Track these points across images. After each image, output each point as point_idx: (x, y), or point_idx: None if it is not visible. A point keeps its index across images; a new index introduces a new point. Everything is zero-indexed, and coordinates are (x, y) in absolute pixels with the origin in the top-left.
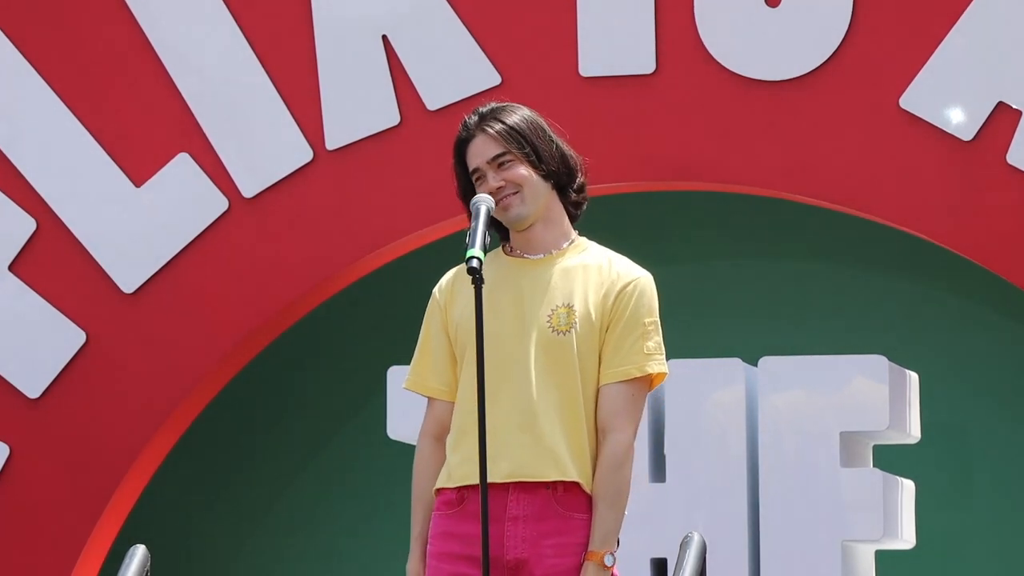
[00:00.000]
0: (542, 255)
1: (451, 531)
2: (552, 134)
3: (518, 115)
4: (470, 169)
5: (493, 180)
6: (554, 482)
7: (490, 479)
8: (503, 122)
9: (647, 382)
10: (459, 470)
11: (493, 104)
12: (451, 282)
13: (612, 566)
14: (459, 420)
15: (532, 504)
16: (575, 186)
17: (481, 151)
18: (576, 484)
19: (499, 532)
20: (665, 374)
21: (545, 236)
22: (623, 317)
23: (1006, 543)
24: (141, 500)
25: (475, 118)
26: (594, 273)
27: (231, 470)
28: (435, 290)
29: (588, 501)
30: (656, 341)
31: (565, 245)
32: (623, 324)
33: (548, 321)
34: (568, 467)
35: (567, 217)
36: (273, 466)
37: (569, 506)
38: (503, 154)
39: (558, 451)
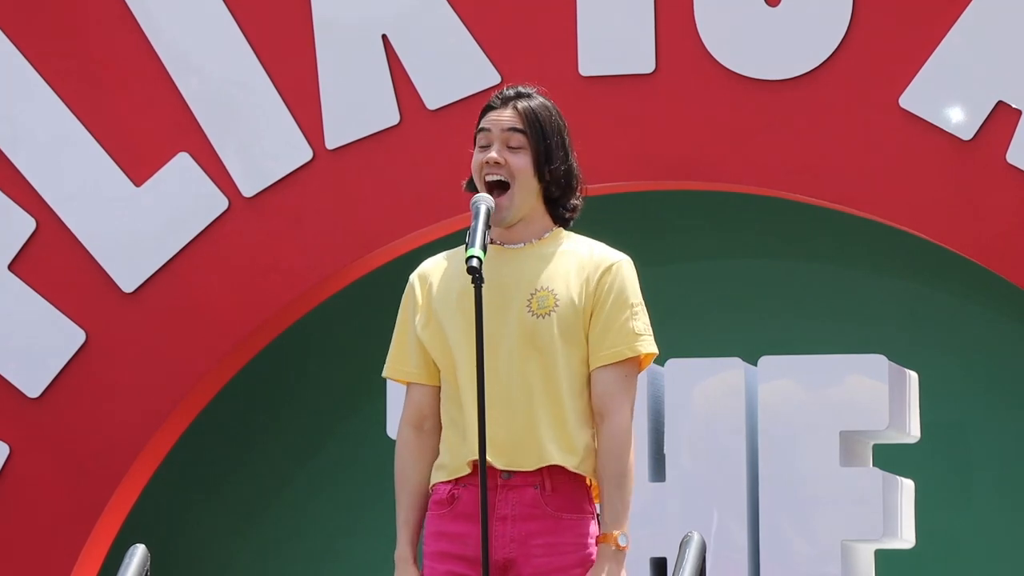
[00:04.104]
0: (522, 244)
1: (443, 531)
2: (569, 148)
3: (548, 112)
4: (480, 126)
5: (497, 153)
6: (542, 480)
7: (470, 462)
8: (533, 108)
9: (637, 363)
10: (452, 462)
11: (532, 88)
12: (432, 269)
13: (626, 546)
14: (446, 410)
15: (520, 504)
16: (568, 205)
17: (501, 119)
18: (563, 482)
19: (488, 531)
20: (655, 354)
21: (526, 229)
22: (608, 299)
23: (1006, 543)
24: (141, 500)
25: (511, 92)
26: (574, 258)
27: (231, 470)
28: (413, 276)
29: (577, 499)
30: (644, 322)
31: (546, 236)
32: (609, 305)
33: (528, 305)
34: (549, 452)
35: (549, 216)
36: (273, 466)
37: (558, 506)
38: (520, 131)
39: (538, 436)
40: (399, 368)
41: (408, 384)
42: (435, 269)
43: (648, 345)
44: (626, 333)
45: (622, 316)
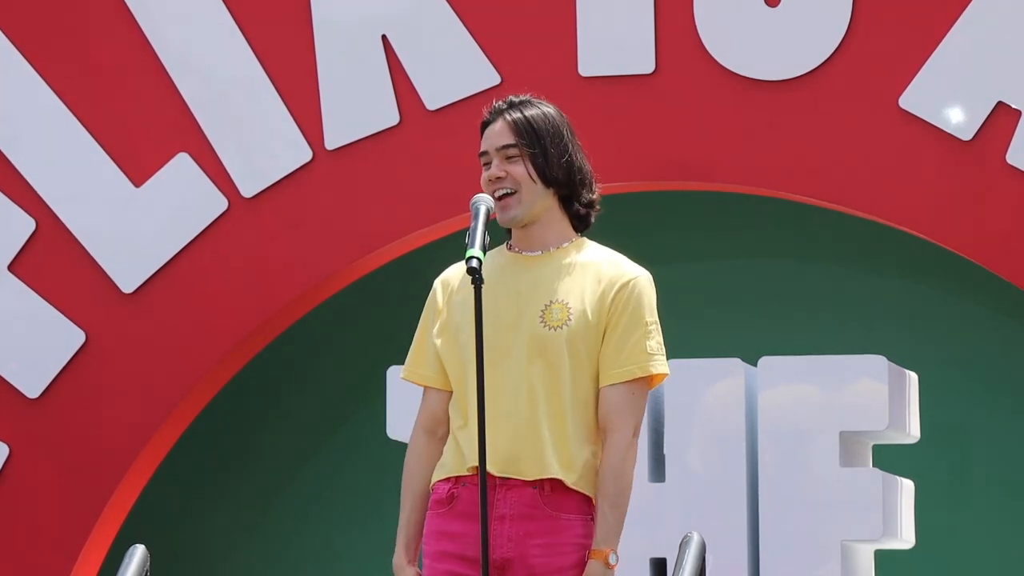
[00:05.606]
0: (540, 252)
1: (443, 530)
2: (570, 144)
3: (541, 113)
4: (480, 150)
5: (496, 168)
6: (540, 480)
7: (471, 468)
8: (524, 115)
9: (648, 382)
10: (452, 462)
11: (525, 97)
12: (454, 276)
13: (615, 564)
14: (453, 416)
15: (519, 503)
16: (582, 200)
17: (495, 137)
18: (562, 488)
19: (487, 532)
20: (666, 374)
21: (545, 235)
22: (624, 316)
23: (1006, 543)
24: (141, 500)
25: (503, 104)
26: (592, 270)
27: (231, 470)
28: (437, 281)
29: (576, 500)
30: (658, 341)
31: (565, 244)
32: (624, 323)
33: (541, 316)
34: (550, 464)
35: (569, 223)
36: (273, 466)
37: (557, 506)
38: (512, 146)
39: (540, 448)
40: (416, 371)
41: (425, 388)
42: (456, 276)
43: (660, 365)
44: (639, 352)
45: (636, 334)
